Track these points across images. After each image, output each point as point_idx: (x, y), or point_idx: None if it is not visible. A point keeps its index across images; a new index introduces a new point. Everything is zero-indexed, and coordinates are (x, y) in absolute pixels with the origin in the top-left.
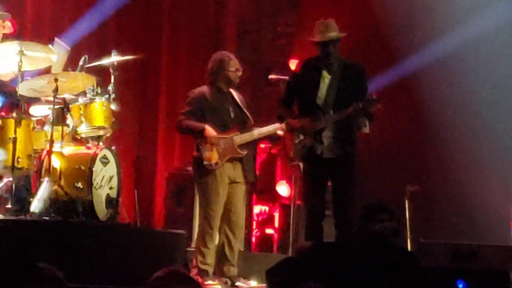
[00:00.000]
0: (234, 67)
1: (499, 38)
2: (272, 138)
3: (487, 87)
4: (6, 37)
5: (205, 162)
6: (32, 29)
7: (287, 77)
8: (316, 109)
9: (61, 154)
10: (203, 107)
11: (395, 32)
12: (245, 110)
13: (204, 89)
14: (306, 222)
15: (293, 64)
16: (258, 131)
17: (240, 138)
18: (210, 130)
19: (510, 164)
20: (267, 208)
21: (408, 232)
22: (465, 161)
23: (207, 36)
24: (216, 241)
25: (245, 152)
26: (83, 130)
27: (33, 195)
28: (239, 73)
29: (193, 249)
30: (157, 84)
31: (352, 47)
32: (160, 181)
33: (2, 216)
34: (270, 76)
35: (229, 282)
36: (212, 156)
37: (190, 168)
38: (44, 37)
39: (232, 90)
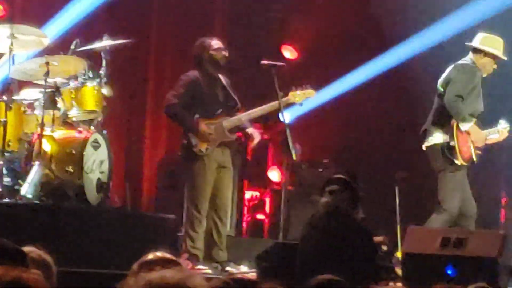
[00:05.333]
0: (216, 45)
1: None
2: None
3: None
4: None
5: (195, 149)
6: (23, 12)
7: (278, 63)
8: None
9: (52, 138)
10: (195, 92)
11: (387, 19)
12: (233, 94)
13: (196, 73)
14: None
15: (285, 50)
16: (246, 115)
17: (229, 122)
18: (203, 127)
19: (500, 150)
20: (258, 194)
21: (398, 219)
22: None
23: (197, 22)
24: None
25: (234, 136)
26: (74, 114)
27: (23, 178)
28: (225, 53)
29: (183, 234)
30: (146, 69)
31: (344, 34)
32: (150, 166)
33: None
34: (262, 62)
35: (219, 267)
36: (201, 142)
37: (180, 154)
38: (35, 19)
39: (220, 75)
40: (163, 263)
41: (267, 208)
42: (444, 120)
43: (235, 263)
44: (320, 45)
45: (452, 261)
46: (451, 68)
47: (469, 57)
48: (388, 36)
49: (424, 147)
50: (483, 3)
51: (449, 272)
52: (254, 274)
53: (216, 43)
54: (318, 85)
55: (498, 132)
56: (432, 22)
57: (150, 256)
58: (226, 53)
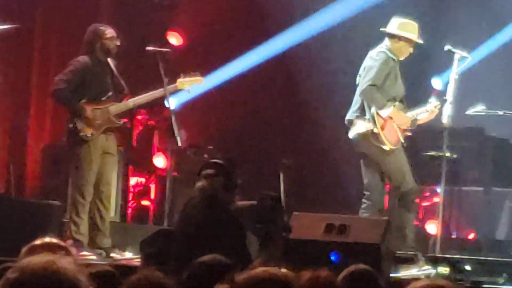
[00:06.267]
0: (110, 34)
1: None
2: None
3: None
4: None
5: (81, 133)
6: None
7: (164, 49)
8: None
9: None
10: (84, 77)
11: (274, 5)
12: (121, 80)
13: (86, 59)
14: None
15: (171, 36)
16: (133, 101)
17: (116, 107)
18: (90, 112)
19: None
20: (143, 180)
21: (283, 205)
22: (339, 135)
23: (83, 7)
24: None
25: (121, 122)
26: None
27: None
28: (117, 42)
29: (68, 220)
30: (31, 53)
31: (229, 20)
32: (34, 151)
33: None
34: (147, 48)
35: (104, 253)
36: (87, 127)
37: (65, 139)
38: None
39: (109, 60)
40: (51, 248)
41: (152, 194)
42: (365, 109)
43: (119, 249)
44: (206, 32)
45: (336, 247)
46: (366, 57)
47: (384, 43)
48: (274, 23)
49: (350, 136)
50: None
51: (333, 258)
52: (139, 260)
53: (109, 31)
54: (204, 72)
55: (427, 112)
56: (317, 9)
57: (38, 242)
58: (118, 42)
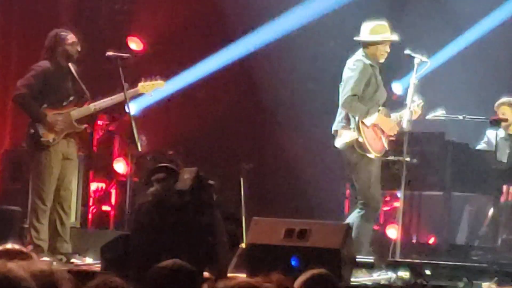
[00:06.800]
0: (71, 40)
1: (334, 20)
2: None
3: (325, 68)
4: None
5: (42, 139)
6: None
7: (124, 54)
8: None
9: None
10: (46, 82)
11: (234, 10)
12: (82, 85)
13: (47, 64)
14: None
15: (131, 41)
16: (94, 105)
17: (77, 112)
18: (51, 117)
19: None
20: (103, 185)
21: (243, 210)
22: (300, 140)
23: (43, 12)
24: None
25: (83, 126)
26: None
27: None
28: (78, 47)
29: (28, 226)
30: None
31: (189, 25)
32: None
33: None
34: (108, 53)
35: (64, 259)
36: (49, 132)
37: (25, 144)
38: None
39: (70, 65)
40: (13, 254)
41: (112, 200)
42: (349, 118)
43: (80, 255)
44: (166, 37)
45: (296, 252)
46: (345, 68)
47: (361, 51)
48: (235, 27)
49: (337, 146)
50: None
51: (293, 263)
52: (99, 265)
53: (71, 37)
54: (165, 76)
55: (410, 111)
56: (278, 14)
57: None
58: (79, 48)
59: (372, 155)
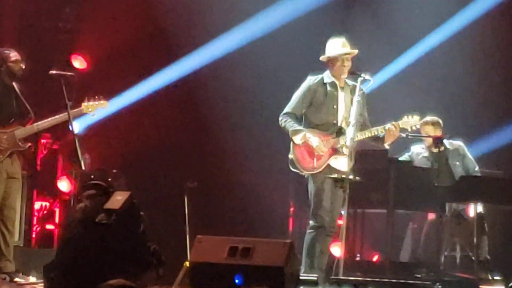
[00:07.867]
0: (15, 58)
1: (278, 38)
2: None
3: (268, 85)
4: None
5: None
6: None
7: (68, 73)
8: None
9: None
10: None
11: (175, 31)
12: (26, 104)
13: None
14: None
15: (74, 60)
16: (37, 125)
17: (21, 131)
18: None
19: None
20: (47, 204)
21: (187, 228)
22: (244, 158)
23: None
24: None
25: (27, 145)
26: None
27: None
28: (22, 65)
29: None
30: None
31: (133, 44)
32: None
33: None
34: (51, 72)
35: (8, 278)
36: None
37: None
38: None
39: (14, 83)
40: None
41: (56, 218)
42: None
43: (23, 274)
44: (110, 55)
45: (239, 270)
46: None
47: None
48: (178, 46)
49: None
50: (271, 14)
51: (237, 281)
52: (42, 284)
53: (14, 54)
54: (109, 95)
55: (385, 130)
56: (221, 32)
57: None
58: (23, 65)
59: (303, 173)
